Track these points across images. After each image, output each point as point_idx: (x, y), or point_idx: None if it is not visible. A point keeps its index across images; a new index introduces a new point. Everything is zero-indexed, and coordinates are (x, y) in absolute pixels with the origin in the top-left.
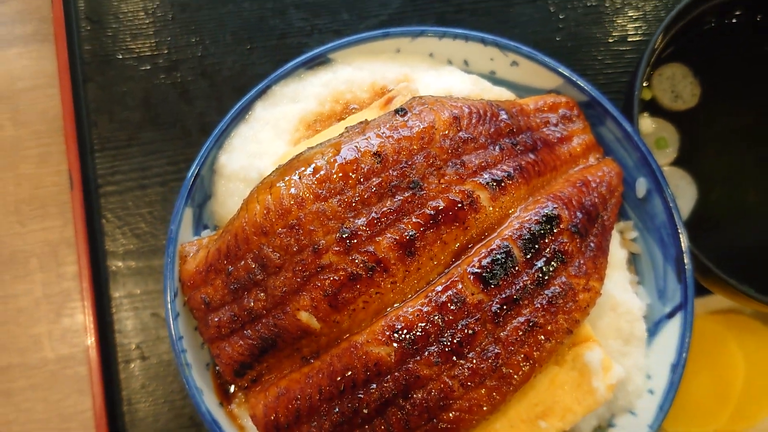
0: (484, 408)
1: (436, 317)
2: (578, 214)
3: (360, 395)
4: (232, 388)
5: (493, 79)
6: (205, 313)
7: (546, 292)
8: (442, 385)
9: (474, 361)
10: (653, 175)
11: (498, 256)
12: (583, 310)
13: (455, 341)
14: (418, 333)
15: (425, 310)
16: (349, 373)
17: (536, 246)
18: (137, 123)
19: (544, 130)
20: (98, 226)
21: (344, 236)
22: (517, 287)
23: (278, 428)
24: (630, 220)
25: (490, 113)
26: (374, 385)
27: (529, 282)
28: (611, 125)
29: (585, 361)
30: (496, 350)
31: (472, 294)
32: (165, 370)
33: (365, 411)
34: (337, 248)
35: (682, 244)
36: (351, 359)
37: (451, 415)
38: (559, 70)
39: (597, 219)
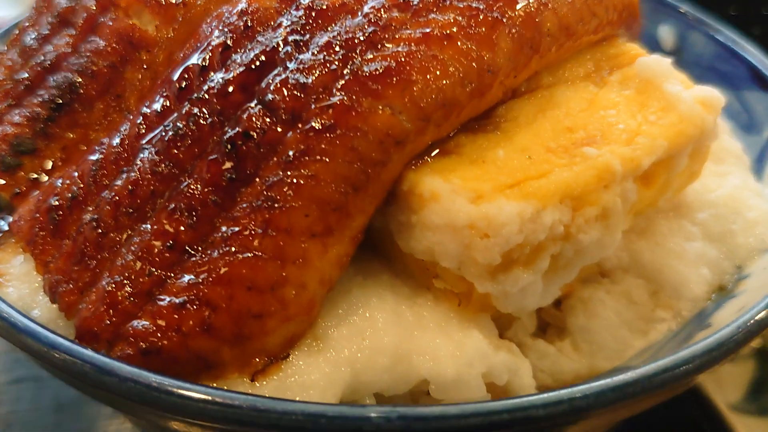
0: (451, 35)
1: None
2: None
3: (216, 78)
4: None
5: None
6: None
7: None
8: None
9: None
10: (677, 14)
11: None
12: None
13: None
14: None
15: None
16: (200, 48)
17: None
18: None
19: None
20: None
21: None
22: None
23: (52, 214)
24: None
25: None
26: (243, 52)
27: None
28: None
29: (640, 71)
30: None
31: None
32: None
33: (220, 100)
34: None
35: (749, 52)
36: (200, 33)
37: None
38: None
39: None
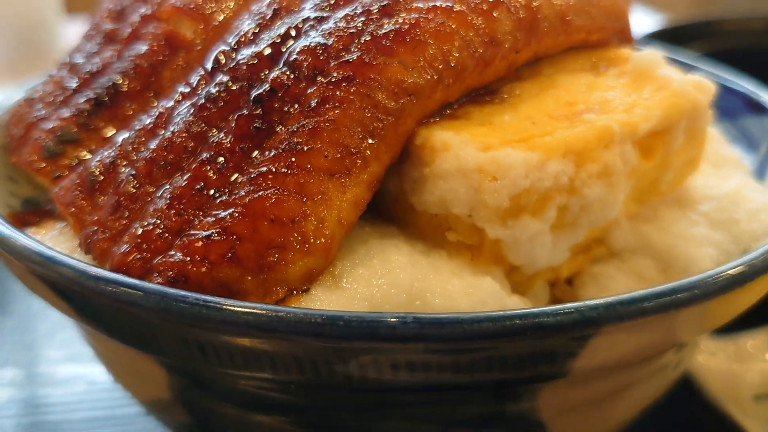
0: None
1: None
2: None
3: (246, 52)
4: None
5: None
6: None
7: None
8: None
9: None
10: (675, 62)
11: None
12: None
13: None
14: None
15: None
16: (232, 34)
17: None
18: None
19: None
20: None
21: None
22: None
23: (90, 178)
24: None
25: None
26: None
27: None
28: None
29: (635, 66)
30: None
31: None
32: None
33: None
34: None
35: (741, 86)
36: (233, 26)
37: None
38: None
39: None
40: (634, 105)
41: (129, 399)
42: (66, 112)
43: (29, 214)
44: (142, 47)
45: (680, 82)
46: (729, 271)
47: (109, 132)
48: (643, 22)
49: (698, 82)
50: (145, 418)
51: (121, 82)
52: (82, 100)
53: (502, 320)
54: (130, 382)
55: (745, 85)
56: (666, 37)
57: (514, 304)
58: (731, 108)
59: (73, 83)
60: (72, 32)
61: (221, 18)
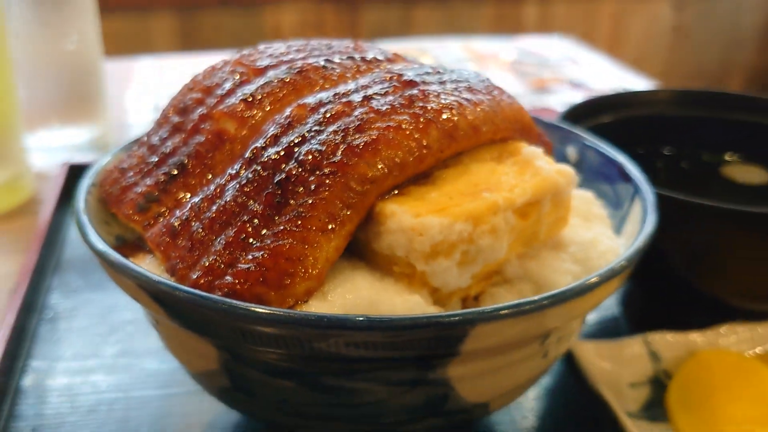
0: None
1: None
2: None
3: (271, 151)
4: None
5: None
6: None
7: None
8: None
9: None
10: (578, 137)
11: None
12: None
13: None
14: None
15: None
16: (262, 136)
17: None
18: None
19: None
20: None
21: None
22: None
23: (172, 229)
24: None
25: None
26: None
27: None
28: None
29: (524, 156)
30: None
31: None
32: None
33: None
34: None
35: (618, 159)
36: (262, 129)
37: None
38: None
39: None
40: (516, 186)
41: (174, 380)
42: (150, 181)
43: (123, 248)
44: (201, 138)
45: (548, 170)
46: (551, 296)
47: (180, 195)
48: (640, 84)
49: (561, 170)
50: (187, 395)
51: (186, 162)
52: (160, 173)
53: (416, 319)
54: (189, 358)
55: (620, 158)
56: (588, 106)
57: (432, 311)
58: (610, 175)
59: (153, 159)
60: (110, 70)
61: (253, 122)
